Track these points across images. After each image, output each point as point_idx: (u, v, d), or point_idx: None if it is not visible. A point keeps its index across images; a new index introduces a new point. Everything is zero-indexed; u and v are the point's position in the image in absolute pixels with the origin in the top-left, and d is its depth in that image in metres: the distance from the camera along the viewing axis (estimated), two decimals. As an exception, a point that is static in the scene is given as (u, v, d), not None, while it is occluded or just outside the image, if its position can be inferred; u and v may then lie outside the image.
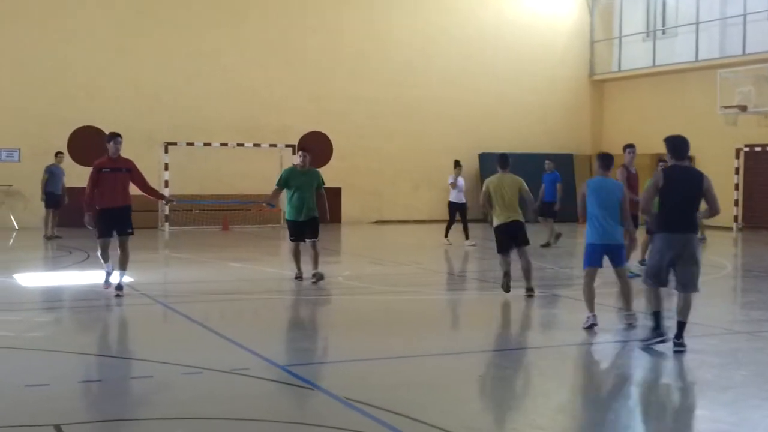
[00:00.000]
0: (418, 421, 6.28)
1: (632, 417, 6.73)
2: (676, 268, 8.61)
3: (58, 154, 21.63)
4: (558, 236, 19.93)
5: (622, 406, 7.01)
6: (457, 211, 20.71)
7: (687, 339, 8.60)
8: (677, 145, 8.83)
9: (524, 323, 10.62)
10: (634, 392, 7.39)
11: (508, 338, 9.59)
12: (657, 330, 8.71)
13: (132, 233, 12.18)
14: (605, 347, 9.20)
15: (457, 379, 7.70)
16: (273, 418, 6.69)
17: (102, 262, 12.24)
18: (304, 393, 7.24)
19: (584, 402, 7.17)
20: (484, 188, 12.01)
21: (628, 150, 14.58)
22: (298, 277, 13.53)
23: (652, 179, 8.90)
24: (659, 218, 8.72)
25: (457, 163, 20.94)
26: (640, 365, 8.33)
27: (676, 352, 8.50)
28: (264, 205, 14.36)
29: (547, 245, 19.52)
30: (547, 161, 21.18)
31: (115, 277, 12.05)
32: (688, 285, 8.61)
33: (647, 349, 8.64)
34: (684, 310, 8.63)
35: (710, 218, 9.27)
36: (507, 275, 11.95)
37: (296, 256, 13.70)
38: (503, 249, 11.91)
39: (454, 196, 20.78)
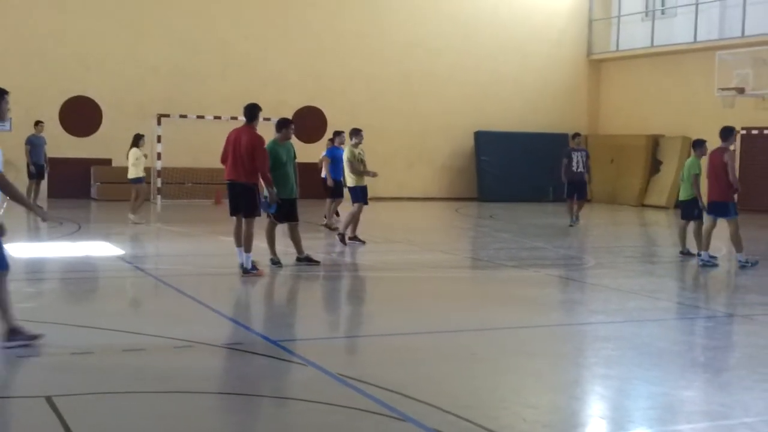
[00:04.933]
0: (411, 398, 6.24)
1: (624, 397, 6.70)
2: None
3: (38, 123, 21.37)
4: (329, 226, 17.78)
5: (615, 386, 6.98)
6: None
7: (679, 321, 8.56)
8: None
9: (519, 302, 10.59)
10: (627, 373, 7.35)
11: (500, 317, 9.55)
12: None
13: None
14: (600, 327, 9.18)
15: (451, 357, 7.66)
16: (265, 393, 6.66)
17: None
18: (297, 368, 7.20)
19: (577, 381, 7.14)
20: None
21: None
22: (278, 262, 12.45)
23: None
24: None
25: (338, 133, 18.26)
26: (633, 345, 8.30)
27: None
28: (267, 214, 12.44)
29: (329, 227, 17.54)
30: (336, 133, 18.24)
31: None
32: None
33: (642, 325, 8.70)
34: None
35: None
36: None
37: (273, 238, 12.58)
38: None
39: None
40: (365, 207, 15.48)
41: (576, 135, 21.46)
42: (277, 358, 7.42)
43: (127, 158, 18.38)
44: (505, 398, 6.53)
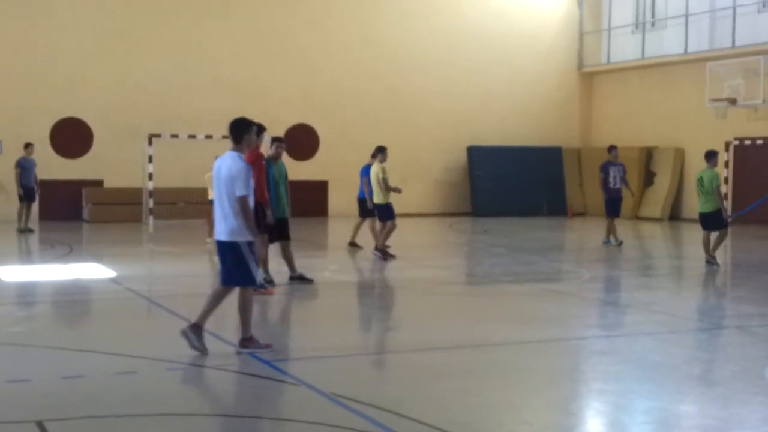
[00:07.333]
0: (406, 417, 6.19)
1: (621, 412, 6.66)
2: None
3: (28, 145, 21.25)
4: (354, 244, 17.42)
5: (611, 401, 6.94)
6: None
7: (674, 334, 8.56)
8: None
9: (515, 317, 10.54)
10: (623, 387, 7.31)
11: (496, 333, 9.50)
12: None
13: None
14: (595, 341, 9.14)
15: (446, 374, 7.61)
16: (258, 414, 6.60)
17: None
18: (290, 388, 7.14)
19: (573, 397, 7.09)
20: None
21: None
22: (271, 281, 12.09)
23: None
24: None
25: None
26: (628, 359, 8.26)
27: None
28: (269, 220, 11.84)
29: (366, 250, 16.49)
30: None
31: None
32: None
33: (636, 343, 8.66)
34: None
35: None
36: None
37: (266, 259, 12.09)
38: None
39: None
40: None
41: (612, 148, 19.26)
42: (270, 379, 7.36)
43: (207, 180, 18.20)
44: (501, 415, 6.48)
